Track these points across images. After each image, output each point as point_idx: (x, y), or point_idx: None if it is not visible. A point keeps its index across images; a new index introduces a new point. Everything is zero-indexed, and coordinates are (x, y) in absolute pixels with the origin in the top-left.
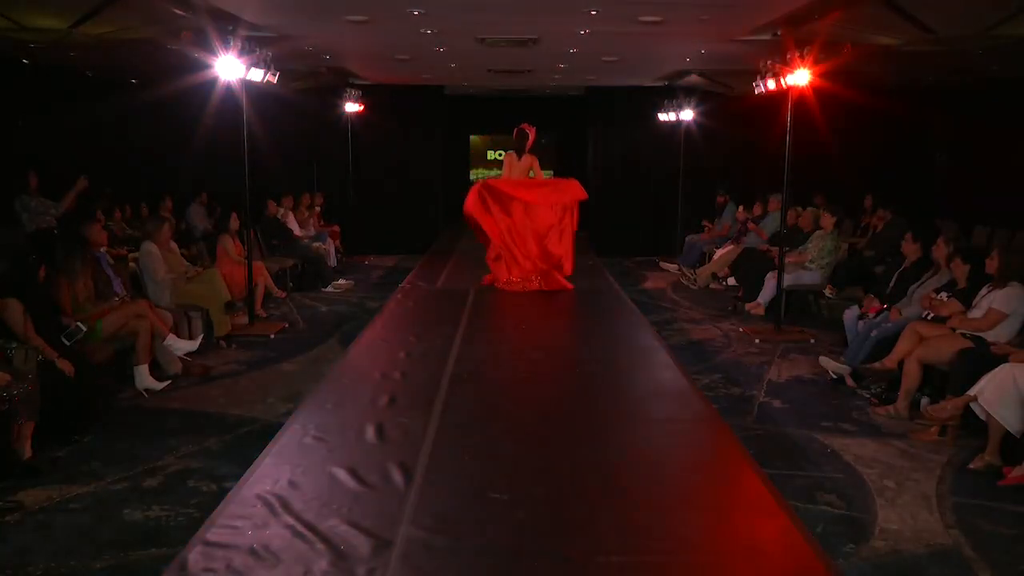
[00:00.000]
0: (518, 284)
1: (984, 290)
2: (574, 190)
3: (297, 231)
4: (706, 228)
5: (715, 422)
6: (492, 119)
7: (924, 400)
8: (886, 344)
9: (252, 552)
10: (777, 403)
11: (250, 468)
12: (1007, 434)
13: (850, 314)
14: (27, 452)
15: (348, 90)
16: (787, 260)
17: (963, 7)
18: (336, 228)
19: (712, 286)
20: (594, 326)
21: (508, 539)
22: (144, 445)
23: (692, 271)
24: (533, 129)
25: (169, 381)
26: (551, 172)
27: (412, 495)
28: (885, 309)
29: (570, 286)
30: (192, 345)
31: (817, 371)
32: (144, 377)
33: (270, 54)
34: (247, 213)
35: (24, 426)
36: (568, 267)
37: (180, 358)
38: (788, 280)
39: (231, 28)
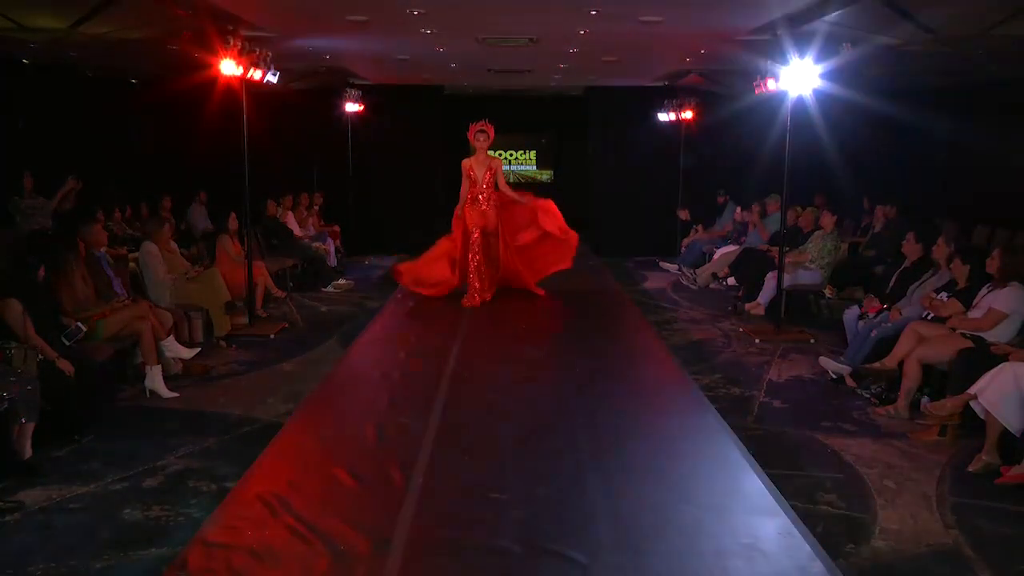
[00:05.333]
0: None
1: (984, 290)
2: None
3: (297, 231)
4: (696, 230)
5: (715, 422)
6: (492, 119)
7: (924, 400)
8: (886, 344)
9: (252, 552)
10: (777, 403)
11: (250, 468)
12: (1005, 433)
13: (850, 314)
14: (27, 452)
15: (348, 90)
16: (787, 260)
17: (963, 7)
18: (336, 228)
19: (712, 286)
20: (594, 326)
21: (508, 539)
22: (144, 445)
23: (692, 271)
24: (491, 127)
25: (178, 394)
26: (550, 172)
27: (412, 495)
28: (885, 309)
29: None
30: (188, 353)
31: (817, 371)
32: (157, 380)
33: (270, 54)
34: (247, 213)
35: (24, 426)
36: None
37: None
38: (788, 280)
39: (231, 28)
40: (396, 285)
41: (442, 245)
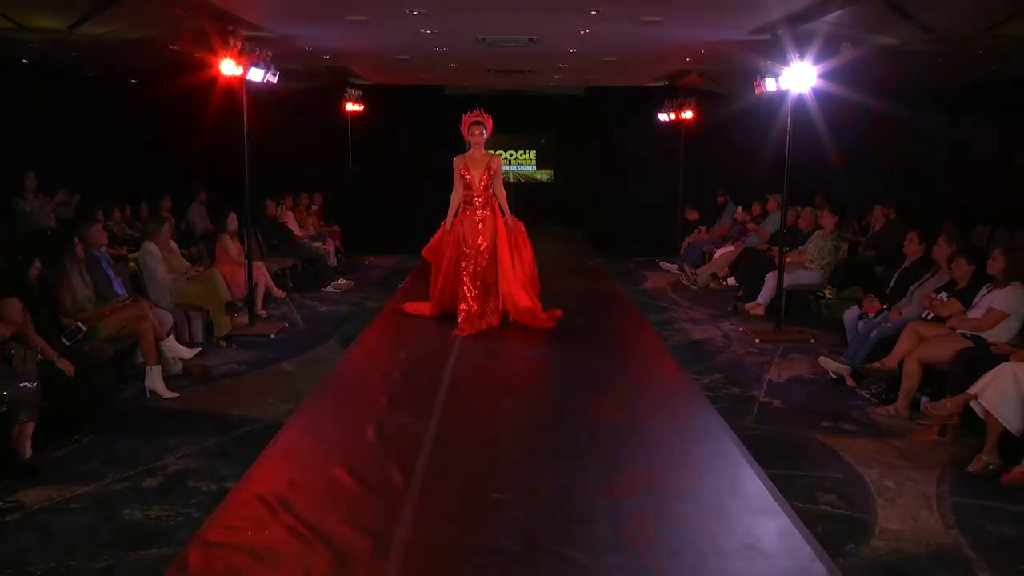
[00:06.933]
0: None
1: (984, 290)
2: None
3: (297, 231)
4: (700, 231)
5: (715, 422)
6: (491, 119)
7: (924, 400)
8: (886, 344)
9: (252, 552)
10: (777, 403)
11: (250, 468)
12: (1005, 433)
13: (850, 314)
14: (27, 452)
15: (348, 90)
16: (787, 260)
17: (963, 7)
18: (336, 228)
19: (712, 286)
20: (594, 326)
21: (508, 539)
22: (144, 445)
23: (692, 271)
24: (489, 118)
25: (178, 394)
26: (550, 172)
27: (412, 495)
28: (885, 309)
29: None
30: (188, 353)
31: (817, 371)
32: (157, 379)
33: (270, 54)
34: (247, 213)
35: (24, 426)
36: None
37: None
38: (788, 280)
39: (231, 28)
40: (396, 285)
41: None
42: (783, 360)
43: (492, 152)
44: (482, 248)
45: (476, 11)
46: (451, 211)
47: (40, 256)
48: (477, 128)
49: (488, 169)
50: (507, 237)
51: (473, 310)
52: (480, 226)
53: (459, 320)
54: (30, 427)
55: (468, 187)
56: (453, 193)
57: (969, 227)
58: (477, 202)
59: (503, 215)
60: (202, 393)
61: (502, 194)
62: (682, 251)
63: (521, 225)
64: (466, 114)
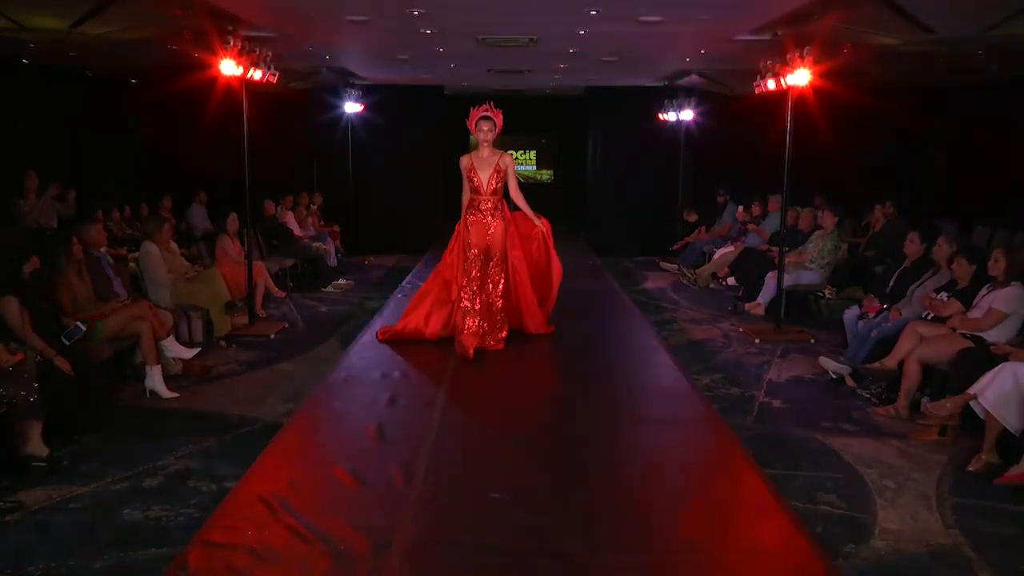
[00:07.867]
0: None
1: (984, 290)
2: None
3: (297, 231)
4: (699, 232)
5: (715, 422)
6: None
7: (924, 400)
8: (886, 344)
9: (252, 552)
10: (777, 403)
11: (250, 468)
12: (1005, 433)
13: (850, 314)
14: (44, 451)
15: (348, 90)
16: (787, 260)
17: (963, 7)
18: (336, 228)
19: (712, 286)
20: (594, 326)
21: (508, 539)
22: (144, 445)
23: (692, 271)
24: (499, 113)
25: (178, 394)
26: (550, 172)
27: (412, 495)
28: (885, 309)
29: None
30: (188, 353)
31: (817, 371)
32: (157, 380)
33: (270, 54)
34: (247, 213)
35: (27, 425)
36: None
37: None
38: (788, 280)
39: (231, 28)
40: (396, 285)
41: (429, 283)
42: (783, 360)
43: (502, 150)
44: (493, 253)
45: (476, 11)
46: (463, 212)
47: (38, 255)
48: (486, 124)
49: (497, 170)
50: (520, 247)
51: (467, 327)
52: (489, 233)
53: (464, 335)
54: (36, 426)
55: (475, 190)
56: (463, 195)
57: (969, 227)
58: (485, 207)
59: (531, 216)
60: (202, 393)
61: (519, 196)
62: (674, 248)
63: (548, 226)
64: (474, 108)
